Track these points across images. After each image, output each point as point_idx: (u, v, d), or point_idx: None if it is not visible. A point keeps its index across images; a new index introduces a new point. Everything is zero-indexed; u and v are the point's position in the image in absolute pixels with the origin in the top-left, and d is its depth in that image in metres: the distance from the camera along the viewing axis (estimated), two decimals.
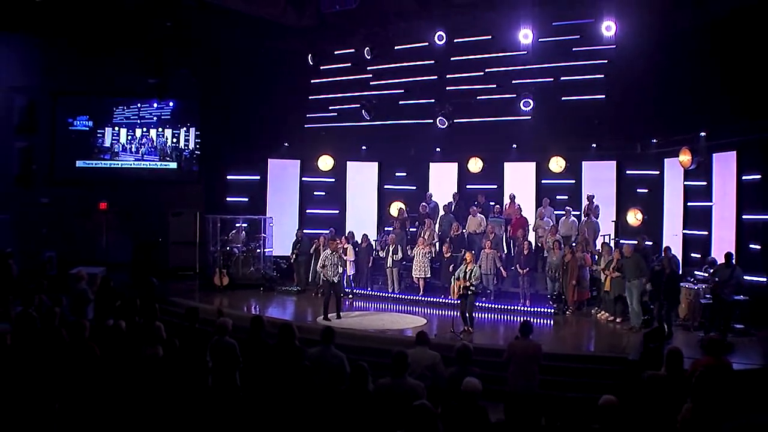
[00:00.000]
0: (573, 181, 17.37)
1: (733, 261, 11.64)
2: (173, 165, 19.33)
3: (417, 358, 6.80)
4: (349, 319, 13.62)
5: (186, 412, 6.54)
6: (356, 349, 10.42)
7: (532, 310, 14.22)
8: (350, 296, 15.77)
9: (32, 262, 16.05)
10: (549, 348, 11.09)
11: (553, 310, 14.05)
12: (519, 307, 14.42)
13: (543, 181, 17.71)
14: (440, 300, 14.88)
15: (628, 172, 16.73)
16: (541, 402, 7.94)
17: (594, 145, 17.17)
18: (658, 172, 15.99)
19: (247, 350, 7.54)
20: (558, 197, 17.15)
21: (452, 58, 17.36)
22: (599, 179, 16.92)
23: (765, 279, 12.45)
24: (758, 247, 12.78)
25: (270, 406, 6.34)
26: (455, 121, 17.02)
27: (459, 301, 12.53)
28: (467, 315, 12.32)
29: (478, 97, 17.26)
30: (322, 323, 12.40)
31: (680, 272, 13.06)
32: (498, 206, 16.89)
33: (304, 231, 17.33)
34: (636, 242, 13.49)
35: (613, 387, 8.26)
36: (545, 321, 13.72)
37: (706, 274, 12.43)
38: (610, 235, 15.83)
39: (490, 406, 6.05)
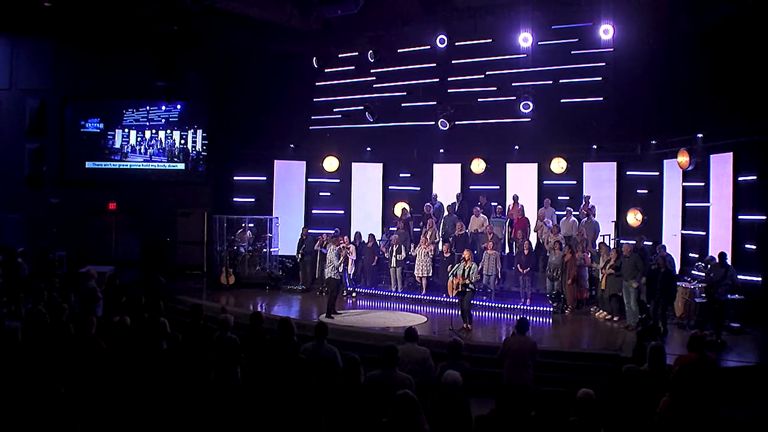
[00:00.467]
0: (574, 182, 17.55)
1: (727, 261, 11.82)
2: (181, 166, 19.58)
3: (407, 353, 7.06)
4: (352, 317, 13.88)
5: (188, 404, 6.82)
6: (357, 346, 10.73)
7: (532, 308, 14.40)
8: (353, 295, 16.05)
9: (43, 261, 16.33)
10: (546, 345, 11.38)
11: (552, 309, 14.27)
12: (519, 306, 14.60)
13: (545, 182, 17.89)
14: (441, 299, 15.08)
15: (628, 173, 16.90)
16: (533, 396, 8.14)
17: (594, 147, 17.33)
18: (657, 173, 16.17)
19: (247, 344, 7.83)
20: (560, 198, 17.36)
21: (454, 61, 17.60)
22: (600, 180, 17.11)
23: (760, 278, 12.60)
24: (753, 247, 12.92)
25: (267, 396, 6.61)
26: (457, 122, 17.26)
27: (458, 299, 12.79)
28: (466, 313, 12.57)
29: (479, 99, 17.50)
30: (325, 321, 12.62)
31: (675, 270, 13.22)
32: (500, 207, 17.11)
33: (309, 231, 17.53)
34: (635, 242, 13.70)
35: (606, 383, 8.49)
36: (545, 319, 13.94)
37: (702, 274, 12.62)
38: (609, 235, 15.98)
39: (486, 401, 6.23)
